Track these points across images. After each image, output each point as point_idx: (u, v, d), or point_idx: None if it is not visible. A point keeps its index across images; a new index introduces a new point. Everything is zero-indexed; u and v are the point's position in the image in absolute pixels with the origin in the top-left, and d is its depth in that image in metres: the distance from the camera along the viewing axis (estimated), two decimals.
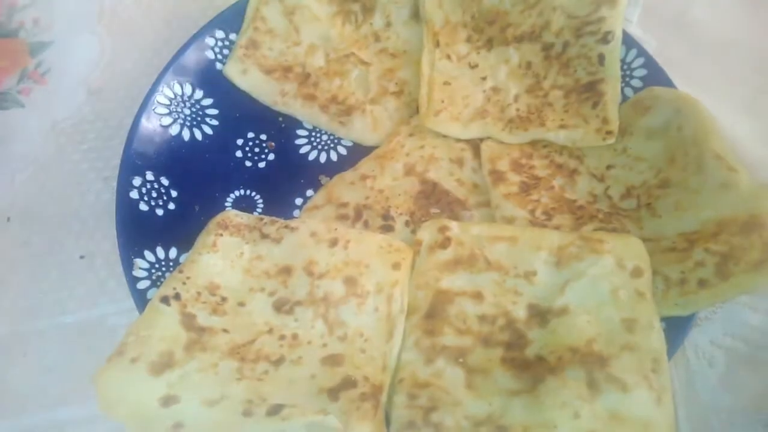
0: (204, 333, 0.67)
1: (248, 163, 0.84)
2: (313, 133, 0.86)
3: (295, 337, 0.69)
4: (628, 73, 0.83)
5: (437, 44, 0.85)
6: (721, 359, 0.73)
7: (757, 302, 0.76)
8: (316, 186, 0.82)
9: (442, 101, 0.82)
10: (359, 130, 0.85)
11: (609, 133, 0.78)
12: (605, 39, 0.81)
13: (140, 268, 0.72)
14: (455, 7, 0.87)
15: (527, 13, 0.85)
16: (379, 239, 0.74)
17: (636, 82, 0.83)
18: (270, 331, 0.69)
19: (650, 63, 0.83)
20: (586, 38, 0.82)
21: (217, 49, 0.88)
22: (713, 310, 0.76)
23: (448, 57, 0.85)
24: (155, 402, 0.61)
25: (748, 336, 0.74)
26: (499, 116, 0.82)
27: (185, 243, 0.75)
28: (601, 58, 0.81)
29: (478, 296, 0.70)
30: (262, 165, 0.84)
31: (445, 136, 0.83)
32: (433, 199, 0.79)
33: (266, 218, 0.76)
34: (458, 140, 0.83)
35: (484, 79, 0.85)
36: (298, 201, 0.81)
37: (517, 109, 0.82)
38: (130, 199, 0.76)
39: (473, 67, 0.85)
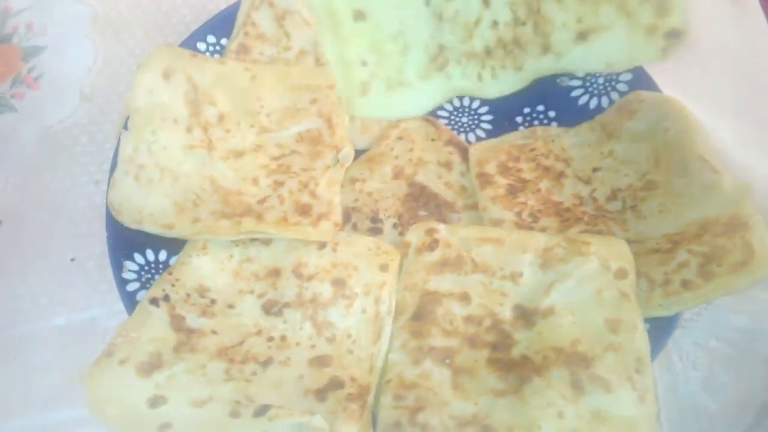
0: (193, 334, 0.68)
1: None
2: None
3: (283, 338, 0.69)
4: (614, 77, 0.84)
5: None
6: (705, 362, 0.74)
7: (742, 305, 0.76)
8: None
9: (364, 63, 0.66)
10: (349, 133, 0.86)
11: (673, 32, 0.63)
12: None
13: (130, 270, 0.73)
14: None
15: None
16: (368, 241, 0.75)
17: (622, 86, 0.84)
18: (259, 332, 0.70)
19: (636, 67, 0.84)
20: None
21: (208, 54, 0.89)
22: (698, 312, 0.76)
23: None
24: (143, 403, 0.62)
25: (732, 338, 0.75)
26: (470, 51, 0.63)
27: (175, 245, 0.75)
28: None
29: (465, 297, 0.71)
30: None
31: (433, 140, 0.84)
32: (421, 202, 0.80)
33: None
34: (447, 143, 0.84)
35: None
36: None
37: (495, 35, 0.63)
38: None
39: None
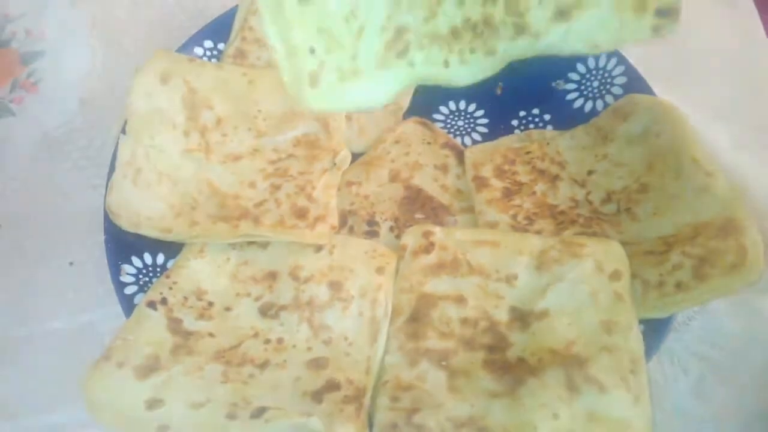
0: (190, 337, 0.68)
1: None
2: None
3: (280, 341, 0.70)
4: (608, 80, 0.85)
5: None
6: (695, 367, 0.74)
7: (736, 310, 0.77)
8: None
9: (312, 50, 0.55)
10: (346, 136, 0.86)
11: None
12: None
13: (128, 274, 0.73)
14: None
15: None
16: (364, 244, 0.75)
17: (617, 90, 0.84)
18: (255, 335, 0.70)
19: (630, 71, 0.84)
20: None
21: (206, 59, 0.89)
22: (691, 317, 0.77)
23: None
24: (141, 405, 0.62)
25: (724, 344, 0.75)
26: (433, 33, 0.59)
27: (173, 249, 0.76)
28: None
29: (460, 300, 0.71)
30: None
31: (429, 143, 0.85)
32: (417, 205, 0.80)
33: None
34: (443, 147, 0.84)
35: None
36: None
37: (466, 16, 0.57)
38: None
39: None
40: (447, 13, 0.59)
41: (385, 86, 0.60)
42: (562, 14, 0.60)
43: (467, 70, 0.63)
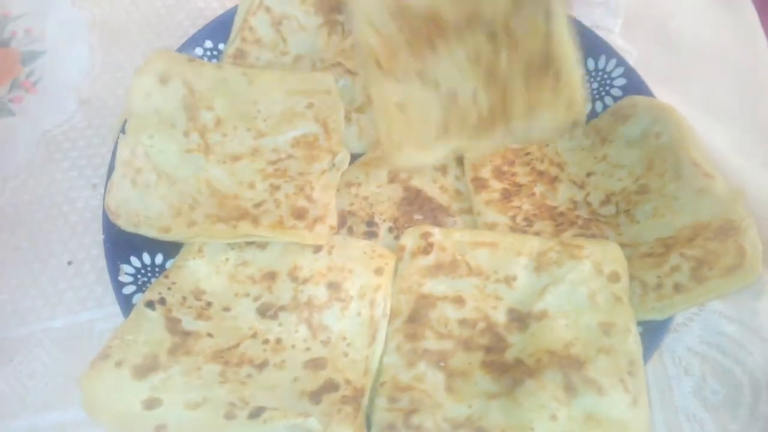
0: (188, 337, 0.68)
1: None
2: None
3: (278, 341, 0.70)
4: (608, 82, 0.85)
5: (379, 66, 0.76)
6: (697, 367, 0.74)
7: (733, 312, 0.77)
8: None
9: (401, 132, 0.75)
10: (345, 138, 0.86)
11: (573, 107, 0.72)
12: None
13: (126, 273, 0.73)
14: (386, 21, 0.76)
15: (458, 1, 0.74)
16: (363, 245, 0.75)
17: (616, 91, 0.85)
18: (254, 335, 0.70)
19: (630, 72, 0.85)
20: (526, 4, 0.73)
21: (206, 59, 0.89)
22: (690, 317, 0.77)
23: (394, 76, 0.76)
24: (138, 405, 0.62)
25: (723, 345, 0.75)
26: (462, 125, 0.75)
27: (171, 249, 0.76)
28: (548, 15, 0.72)
29: (459, 301, 0.71)
30: None
31: None
32: (416, 206, 0.80)
33: None
34: None
35: (437, 85, 0.76)
36: None
37: (479, 111, 0.75)
38: None
39: (422, 75, 0.76)
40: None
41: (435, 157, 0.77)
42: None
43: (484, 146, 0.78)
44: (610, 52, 0.86)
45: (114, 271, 0.73)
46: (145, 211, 0.73)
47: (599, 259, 0.70)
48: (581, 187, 0.80)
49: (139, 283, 0.73)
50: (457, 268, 0.73)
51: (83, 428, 0.74)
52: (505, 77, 0.75)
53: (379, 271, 0.72)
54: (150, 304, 0.69)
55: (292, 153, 0.82)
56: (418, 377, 0.67)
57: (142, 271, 0.75)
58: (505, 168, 0.82)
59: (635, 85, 0.84)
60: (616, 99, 0.84)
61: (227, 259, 0.75)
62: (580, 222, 0.77)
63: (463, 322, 0.70)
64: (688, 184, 0.73)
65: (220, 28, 0.91)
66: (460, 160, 0.83)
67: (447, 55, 0.77)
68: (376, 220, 0.80)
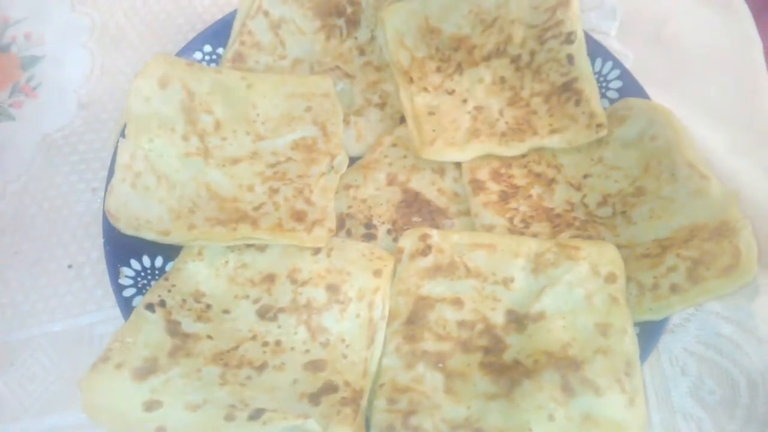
0: (188, 339, 0.69)
1: None
2: None
3: (278, 343, 0.70)
4: (604, 84, 0.86)
5: (411, 81, 0.85)
6: (694, 367, 0.75)
7: (730, 313, 0.77)
8: None
9: (433, 130, 0.82)
10: (343, 141, 0.87)
11: (599, 126, 0.79)
12: (569, 39, 0.84)
13: (126, 276, 0.74)
14: (418, 43, 0.88)
15: (488, 33, 0.87)
16: (362, 247, 0.76)
17: (612, 94, 0.85)
18: (253, 337, 0.71)
19: (626, 75, 0.85)
20: (551, 42, 0.84)
21: (205, 63, 0.90)
22: (687, 318, 0.77)
23: (425, 89, 0.85)
24: (138, 407, 0.62)
25: (719, 346, 0.76)
26: (491, 132, 0.82)
27: (171, 252, 0.76)
28: (570, 59, 0.83)
29: (457, 302, 0.72)
30: None
31: None
32: (414, 208, 0.81)
33: None
34: None
35: (465, 101, 0.85)
36: None
37: (506, 123, 0.82)
38: None
39: (450, 93, 0.85)
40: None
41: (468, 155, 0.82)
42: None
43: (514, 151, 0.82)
44: (606, 55, 0.87)
45: (114, 274, 0.74)
46: (145, 215, 0.74)
47: (596, 261, 0.71)
48: (578, 188, 0.81)
49: (139, 285, 0.74)
50: (455, 269, 0.73)
51: (83, 431, 0.74)
52: (529, 101, 0.83)
53: (377, 273, 0.73)
54: (150, 307, 0.70)
55: (290, 156, 0.82)
56: (416, 378, 0.67)
57: (142, 273, 0.75)
58: (503, 170, 0.82)
59: (631, 88, 0.84)
60: (612, 101, 0.84)
61: (227, 262, 0.75)
62: (577, 223, 0.77)
63: (461, 324, 0.71)
64: (684, 185, 0.74)
65: (219, 33, 0.91)
66: (457, 163, 0.84)
67: (473, 77, 0.86)
68: (375, 222, 0.80)
